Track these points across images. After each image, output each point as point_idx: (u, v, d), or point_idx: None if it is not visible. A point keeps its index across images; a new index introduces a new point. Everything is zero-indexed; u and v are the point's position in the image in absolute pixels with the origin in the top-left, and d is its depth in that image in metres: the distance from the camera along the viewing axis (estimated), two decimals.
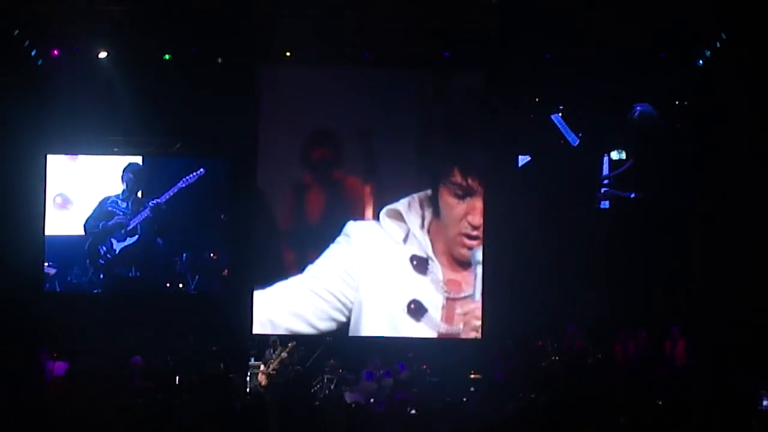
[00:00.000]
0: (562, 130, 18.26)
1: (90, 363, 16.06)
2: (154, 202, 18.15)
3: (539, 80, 17.83)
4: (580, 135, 18.31)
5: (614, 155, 18.40)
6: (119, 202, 18.30)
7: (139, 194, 18.30)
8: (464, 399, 15.95)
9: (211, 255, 18.53)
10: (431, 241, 17.96)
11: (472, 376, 16.95)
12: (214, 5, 16.57)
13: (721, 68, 17.26)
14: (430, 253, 17.93)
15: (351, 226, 18.01)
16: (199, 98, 17.83)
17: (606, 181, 18.39)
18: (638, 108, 18.06)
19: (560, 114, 18.29)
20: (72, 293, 18.13)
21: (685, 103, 18.08)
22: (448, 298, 17.93)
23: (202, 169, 18.08)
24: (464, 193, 17.79)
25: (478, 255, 17.84)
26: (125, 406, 13.24)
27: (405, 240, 17.98)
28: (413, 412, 13.13)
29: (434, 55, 17.81)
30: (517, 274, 17.73)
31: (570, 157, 18.32)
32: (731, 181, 17.36)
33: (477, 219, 17.78)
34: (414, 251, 17.98)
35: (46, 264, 18.17)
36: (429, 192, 17.98)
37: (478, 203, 17.80)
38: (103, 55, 17.68)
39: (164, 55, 17.85)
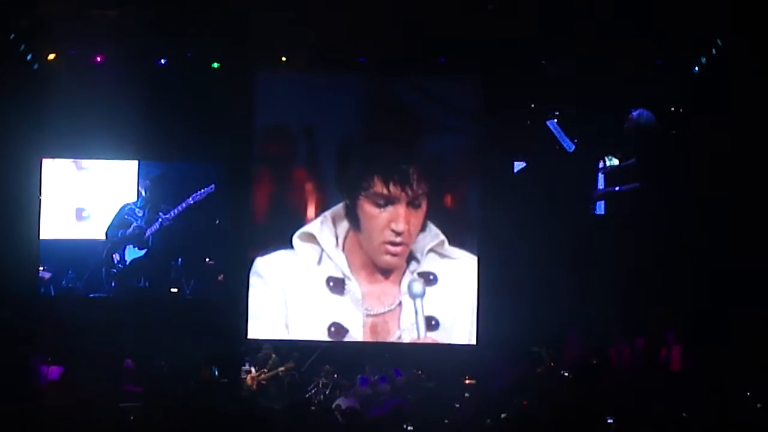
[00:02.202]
0: (558, 136, 18.23)
1: (84, 367, 16.10)
2: (164, 217, 18.16)
3: (534, 86, 17.81)
4: (576, 141, 18.29)
5: (606, 161, 18.39)
6: (136, 210, 18.34)
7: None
8: (457, 405, 15.99)
9: (206, 260, 18.52)
10: (347, 258, 17.69)
11: (466, 381, 16.95)
12: (210, 9, 16.52)
13: (717, 75, 17.25)
14: (347, 272, 17.65)
15: (260, 264, 17.83)
16: (195, 102, 17.87)
17: (601, 185, 18.39)
18: (634, 113, 18.00)
19: (555, 120, 18.26)
20: (67, 297, 18.10)
21: (681, 110, 18.05)
22: (368, 315, 17.70)
23: (212, 185, 18.07)
24: (386, 202, 17.40)
25: (417, 287, 17.53)
26: (118, 411, 13.28)
27: (319, 262, 17.73)
28: (410, 429, 13.05)
29: (430, 61, 17.83)
30: (511, 279, 17.68)
31: (565, 164, 18.29)
32: (726, 187, 17.37)
33: (401, 225, 17.37)
34: (329, 272, 17.73)
35: (41, 268, 18.15)
36: (342, 207, 17.70)
37: (401, 210, 17.36)
38: (98, 59, 17.70)
39: (160, 59, 17.85)
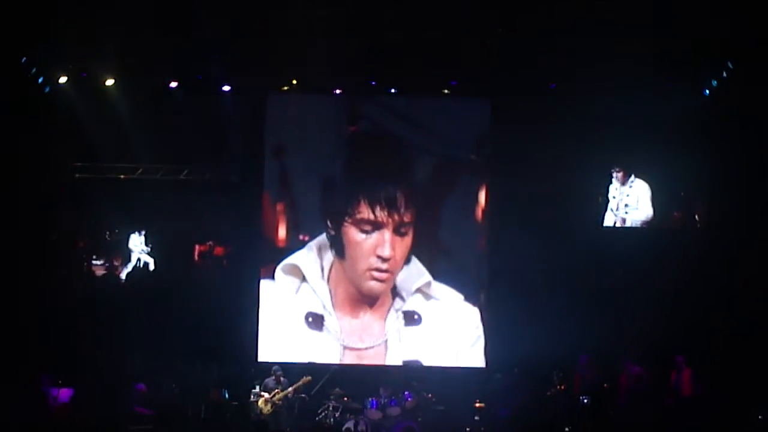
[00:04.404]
0: None
1: (96, 390, 16.16)
2: None
3: (543, 108, 17.77)
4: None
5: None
6: None
7: None
8: (468, 429, 15.97)
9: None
10: (331, 290, 17.60)
11: (477, 405, 16.93)
12: (222, 34, 16.56)
13: (728, 97, 17.24)
14: (329, 306, 17.55)
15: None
16: (206, 123, 17.94)
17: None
18: None
19: None
20: (79, 318, 18.06)
21: (693, 132, 18.00)
22: (346, 348, 17.66)
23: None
24: (372, 228, 17.29)
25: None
26: None
27: (297, 291, 17.66)
28: None
29: (441, 84, 17.89)
30: (523, 301, 17.60)
31: (575, 182, 18.22)
32: (737, 207, 17.39)
33: (387, 251, 17.22)
34: (309, 307, 17.62)
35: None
36: (325, 236, 17.58)
37: (386, 235, 17.24)
38: (110, 82, 17.75)
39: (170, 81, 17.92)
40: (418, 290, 17.66)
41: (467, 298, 17.82)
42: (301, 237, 17.88)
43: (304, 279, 17.62)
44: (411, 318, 17.65)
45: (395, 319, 17.65)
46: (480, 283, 18.01)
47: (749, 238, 17.28)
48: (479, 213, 18.12)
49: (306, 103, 18.29)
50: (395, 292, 17.64)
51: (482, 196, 18.17)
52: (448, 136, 18.08)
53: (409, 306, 17.65)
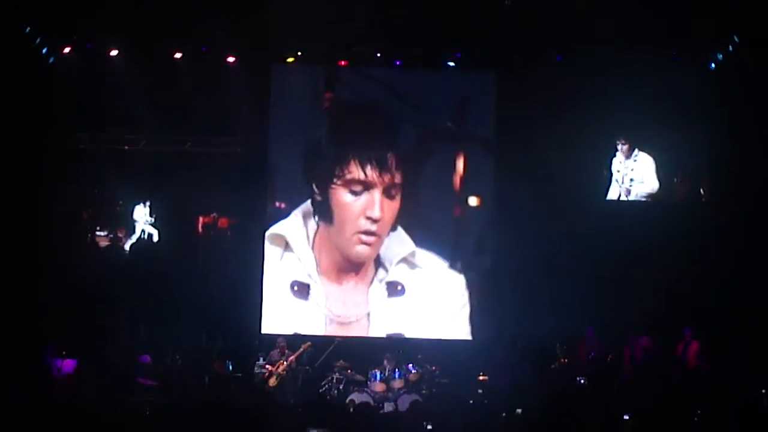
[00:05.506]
0: None
1: (99, 361, 16.17)
2: None
3: (550, 81, 17.73)
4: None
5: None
6: None
7: None
8: (471, 401, 15.96)
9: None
10: (317, 258, 17.53)
11: (480, 377, 16.93)
12: (226, 4, 16.53)
13: (734, 72, 17.20)
14: (314, 275, 17.51)
15: None
16: (210, 95, 17.90)
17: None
18: None
19: None
20: (83, 289, 18.06)
21: (698, 106, 17.96)
22: (332, 319, 17.63)
23: None
24: (362, 188, 17.19)
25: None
26: (132, 404, 13.32)
27: (281, 259, 17.63)
28: (429, 428, 12.99)
29: (446, 56, 17.84)
30: (527, 274, 17.58)
31: (579, 154, 18.18)
32: (744, 182, 17.40)
33: (376, 212, 17.09)
34: (295, 276, 17.58)
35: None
36: (310, 203, 17.53)
37: (376, 195, 17.15)
38: (114, 53, 17.70)
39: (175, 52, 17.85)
40: (402, 260, 17.58)
41: (452, 266, 17.75)
42: (277, 204, 17.90)
43: (287, 247, 17.57)
44: (394, 289, 17.62)
45: (378, 290, 17.62)
46: (462, 251, 17.91)
47: (754, 211, 17.25)
48: (457, 181, 17.99)
49: (299, 74, 18.20)
50: (378, 263, 17.59)
51: (460, 165, 17.99)
52: (427, 104, 17.93)
53: (392, 276, 17.62)
